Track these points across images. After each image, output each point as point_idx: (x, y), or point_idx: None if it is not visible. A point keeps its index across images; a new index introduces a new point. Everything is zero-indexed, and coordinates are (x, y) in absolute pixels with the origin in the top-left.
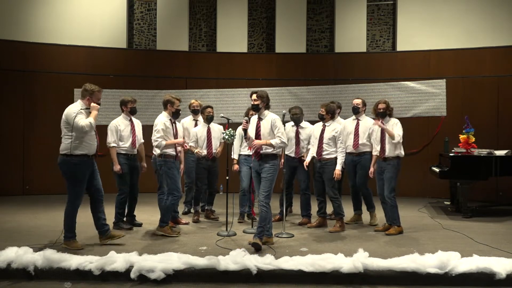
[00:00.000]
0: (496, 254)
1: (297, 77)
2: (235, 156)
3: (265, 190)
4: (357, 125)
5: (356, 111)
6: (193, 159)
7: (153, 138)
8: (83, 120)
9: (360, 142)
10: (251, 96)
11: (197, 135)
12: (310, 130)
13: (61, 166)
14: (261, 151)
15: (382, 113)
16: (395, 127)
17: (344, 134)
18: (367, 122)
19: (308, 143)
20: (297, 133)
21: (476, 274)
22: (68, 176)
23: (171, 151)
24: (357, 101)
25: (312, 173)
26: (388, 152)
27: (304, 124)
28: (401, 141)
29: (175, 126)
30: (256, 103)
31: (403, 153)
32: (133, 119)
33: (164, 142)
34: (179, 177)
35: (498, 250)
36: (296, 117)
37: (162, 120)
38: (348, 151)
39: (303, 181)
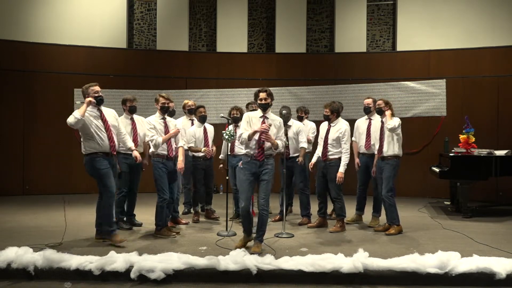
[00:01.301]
0: (496, 254)
1: (297, 77)
2: (223, 155)
3: (267, 193)
4: (369, 125)
5: (367, 111)
6: (189, 159)
7: (147, 138)
8: (69, 117)
9: (372, 142)
10: (258, 94)
11: (195, 135)
12: (297, 127)
13: (85, 166)
14: (265, 152)
15: (379, 110)
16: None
17: (357, 134)
18: (380, 122)
19: (297, 141)
20: (285, 132)
21: (476, 274)
22: (92, 174)
23: (161, 150)
24: (368, 101)
25: (313, 172)
26: (386, 151)
27: (290, 122)
28: (398, 131)
29: (165, 121)
30: (267, 101)
31: (401, 153)
32: (135, 117)
33: (160, 139)
34: (175, 180)
35: (498, 250)
36: (285, 116)
37: (149, 119)
38: (361, 151)
39: (300, 181)
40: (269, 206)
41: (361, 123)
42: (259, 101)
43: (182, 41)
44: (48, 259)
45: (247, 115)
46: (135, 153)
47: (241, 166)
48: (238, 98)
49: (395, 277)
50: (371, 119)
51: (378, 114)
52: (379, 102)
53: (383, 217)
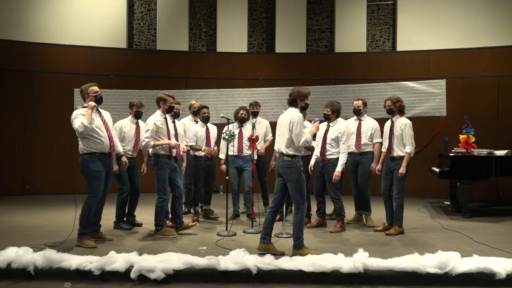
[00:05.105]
0: (496, 254)
1: (297, 77)
2: (222, 156)
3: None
4: (359, 125)
5: (357, 113)
6: (190, 159)
7: (141, 137)
8: (76, 122)
9: (362, 142)
10: (308, 95)
11: (197, 135)
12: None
13: (79, 165)
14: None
15: (389, 110)
16: (404, 130)
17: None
18: (369, 123)
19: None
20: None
21: (476, 274)
22: (84, 173)
23: (164, 151)
24: (357, 103)
25: (312, 174)
26: (396, 151)
27: None
28: (412, 151)
29: (174, 125)
30: None
31: (412, 153)
32: (140, 122)
33: (152, 143)
34: (178, 177)
35: (498, 250)
36: None
37: (152, 119)
38: (350, 151)
39: None
40: None
41: (351, 123)
42: (308, 102)
43: (182, 41)
44: (48, 259)
45: (302, 120)
46: (124, 158)
47: (301, 169)
48: (238, 98)
49: (395, 277)
50: (361, 120)
51: (388, 114)
52: (388, 103)
53: (383, 216)
